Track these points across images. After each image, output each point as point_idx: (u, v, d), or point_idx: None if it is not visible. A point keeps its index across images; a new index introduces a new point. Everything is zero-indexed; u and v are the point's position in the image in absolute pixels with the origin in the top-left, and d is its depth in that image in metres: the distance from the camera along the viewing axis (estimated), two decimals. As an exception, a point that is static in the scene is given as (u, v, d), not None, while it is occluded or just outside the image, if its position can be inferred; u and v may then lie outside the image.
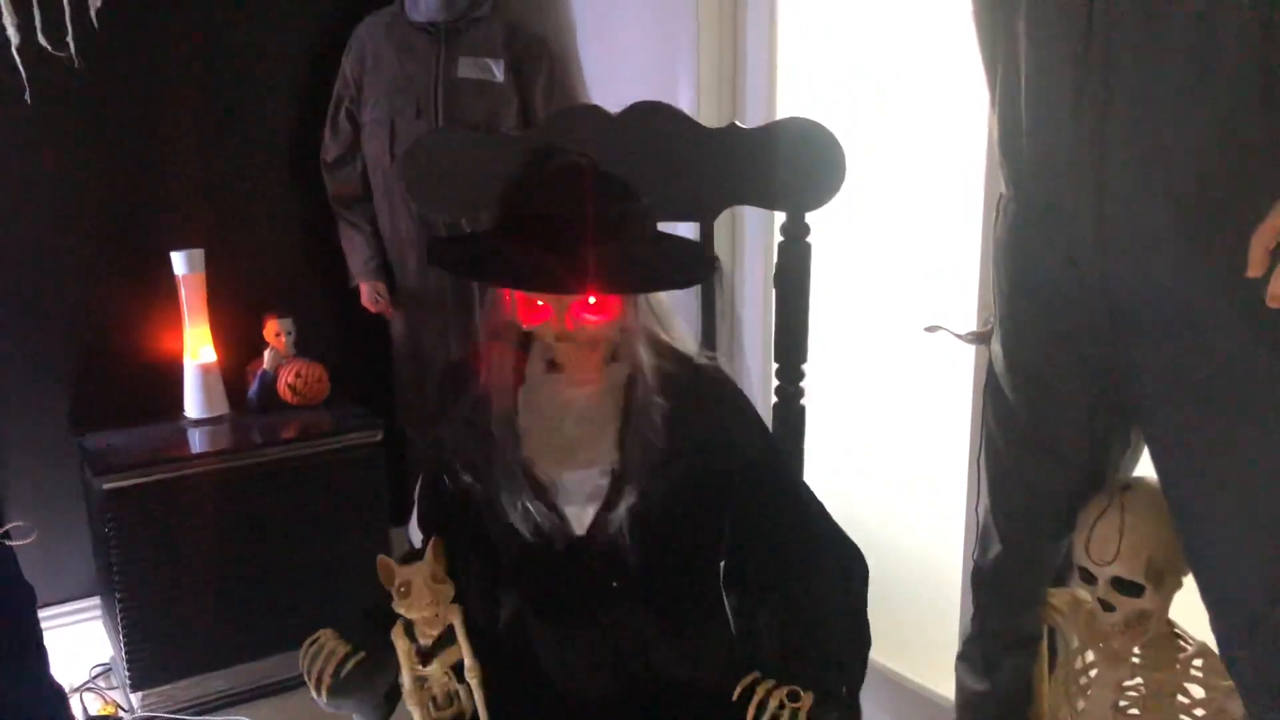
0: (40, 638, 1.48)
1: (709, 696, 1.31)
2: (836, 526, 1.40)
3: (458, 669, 1.33)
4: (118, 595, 2.29)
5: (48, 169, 2.47)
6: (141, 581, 2.30)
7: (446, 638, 1.30)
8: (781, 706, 1.12)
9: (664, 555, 1.33)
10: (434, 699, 1.38)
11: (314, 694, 1.25)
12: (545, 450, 1.31)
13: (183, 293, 2.52)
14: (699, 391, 1.32)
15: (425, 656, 1.28)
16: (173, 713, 2.37)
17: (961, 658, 1.68)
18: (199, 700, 2.41)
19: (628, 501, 1.27)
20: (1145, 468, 1.42)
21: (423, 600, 1.24)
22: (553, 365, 1.33)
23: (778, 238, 1.53)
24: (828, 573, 1.36)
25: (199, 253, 2.51)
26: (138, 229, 2.58)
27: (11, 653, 1.39)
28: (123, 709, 2.39)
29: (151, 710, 2.36)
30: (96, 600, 2.67)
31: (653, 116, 1.55)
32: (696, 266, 1.30)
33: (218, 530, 2.38)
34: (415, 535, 2.43)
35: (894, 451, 2.15)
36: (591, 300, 1.20)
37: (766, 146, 1.47)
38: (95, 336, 2.57)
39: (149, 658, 2.34)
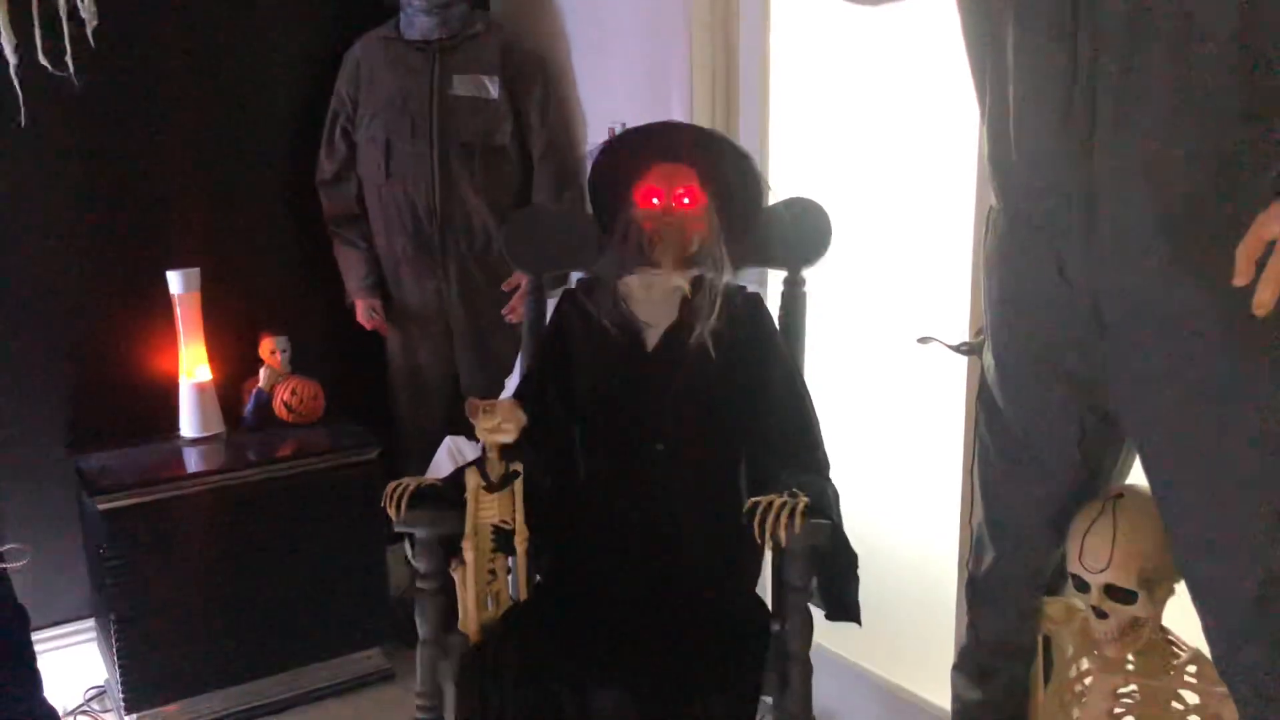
0: (33, 659, 1.48)
1: (724, 557, 1.69)
2: (825, 454, 1.75)
3: (505, 538, 1.59)
4: (112, 616, 2.28)
5: (44, 189, 2.48)
6: (136, 602, 2.30)
7: (511, 478, 1.58)
8: (783, 505, 1.41)
9: (702, 418, 1.73)
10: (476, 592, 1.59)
11: (390, 512, 1.54)
12: (639, 289, 1.78)
13: (178, 312, 2.52)
14: (746, 300, 1.81)
15: (492, 487, 1.56)
16: (168, 734, 2.36)
17: (957, 668, 1.68)
18: (193, 721, 2.40)
19: (694, 324, 1.72)
20: (1136, 476, 1.43)
21: (504, 414, 1.54)
22: (648, 264, 1.79)
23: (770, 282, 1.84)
24: (825, 472, 1.70)
25: (195, 272, 2.51)
26: (134, 248, 2.58)
27: (3, 674, 1.39)
28: (117, 731, 2.38)
29: (146, 731, 2.35)
30: (91, 623, 2.66)
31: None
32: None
33: (214, 550, 2.38)
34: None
35: (888, 462, 2.15)
36: (686, 201, 1.75)
37: (776, 221, 1.87)
38: (91, 356, 2.57)
39: (144, 679, 2.33)
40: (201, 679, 2.40)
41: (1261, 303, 1.02)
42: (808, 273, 1.90)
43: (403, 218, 2.63)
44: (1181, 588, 1.35)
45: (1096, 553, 1.36)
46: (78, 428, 2.57)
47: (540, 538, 1.65)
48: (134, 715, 2.34)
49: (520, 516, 1.60)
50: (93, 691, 2.55)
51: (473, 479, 1.57)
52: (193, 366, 2.55)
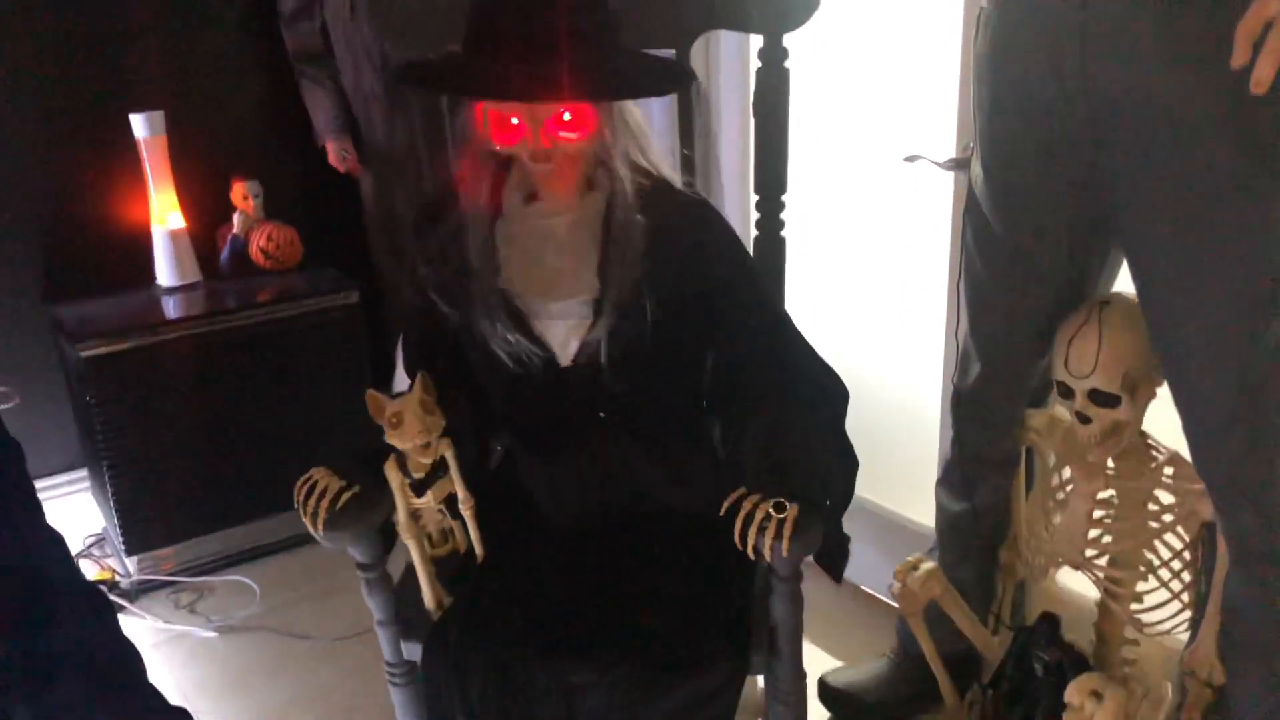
0: (32, 490, 1.48)
1: (695, 519, 1.36)
2: (814, 352, 1.42)
3: (451, 503, 1.35)
4: (105, 463, 2.29)
5: (-4, 32, 2.38)
6: (128, 449, 2.31)
7: (439, 471, 1.30)
8: (768, 518, 1.12)
9: (648, 381, 1.35)
10: (429, 536, 1.41)
11: (310, 528, 1.26)
12: (526, 281, 1.33)
13: (145, 157, 2.45)
14: (678, 212, 1.32)
15: (419, 488, 1.29)
16: (170, 575, 2.41)
17: (941, 481, 1.72)
18: (194, 563, 2.44)
19: (608, 323, 1.29)
20: (1123, 285, 1.43)
21: (414, 429, 1.23)
22: (531, 198, 1.32)
23: (755, 64, 1.50)
24: (808, 396, 1.38)
25: (159, 115, 2.43)
26: (95, 92, 2.50)
27: (4, 504, 1.40)
28: (119, 574, 2.42)
29: (148, 574, 2.40)
30: (82, 473, 2.68)
31: None
32: (671, 76, 1.29)
33: (200, 396, 2.38)
34: (401, 386, 2.45)
35: (873, 283, 2.15)
36: (566, 117, 1.19)
37: None
38: (59, 205, 2.52)
39: (141, 524, 2.37)
40: (199, 521, 2.43)
41: (1260, 80, 1.00)
42: (791, 41, 1.46)
43: (370, 56, 2.53)
44: (1163, 391, 1.37)
45: (1082, 358, 1.37)
46: (52, 279, 2.54)
47: (482, 501, 1.37)
48: (135, 558, 2.39)
49: (462, 488, 1.32)
50: (91, 539, 2.59)
51: (394, 476, 1.29)
52: (164, 214, 2.49)
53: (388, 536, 1.38)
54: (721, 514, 1.16)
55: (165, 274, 2.53)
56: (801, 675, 1.33)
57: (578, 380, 1.34)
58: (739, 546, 1.14)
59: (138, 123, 2.41)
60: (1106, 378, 1.36)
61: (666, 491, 1.42)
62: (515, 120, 1.20)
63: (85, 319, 2.35)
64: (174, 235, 2.51)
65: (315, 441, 2.49)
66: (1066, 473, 1.52)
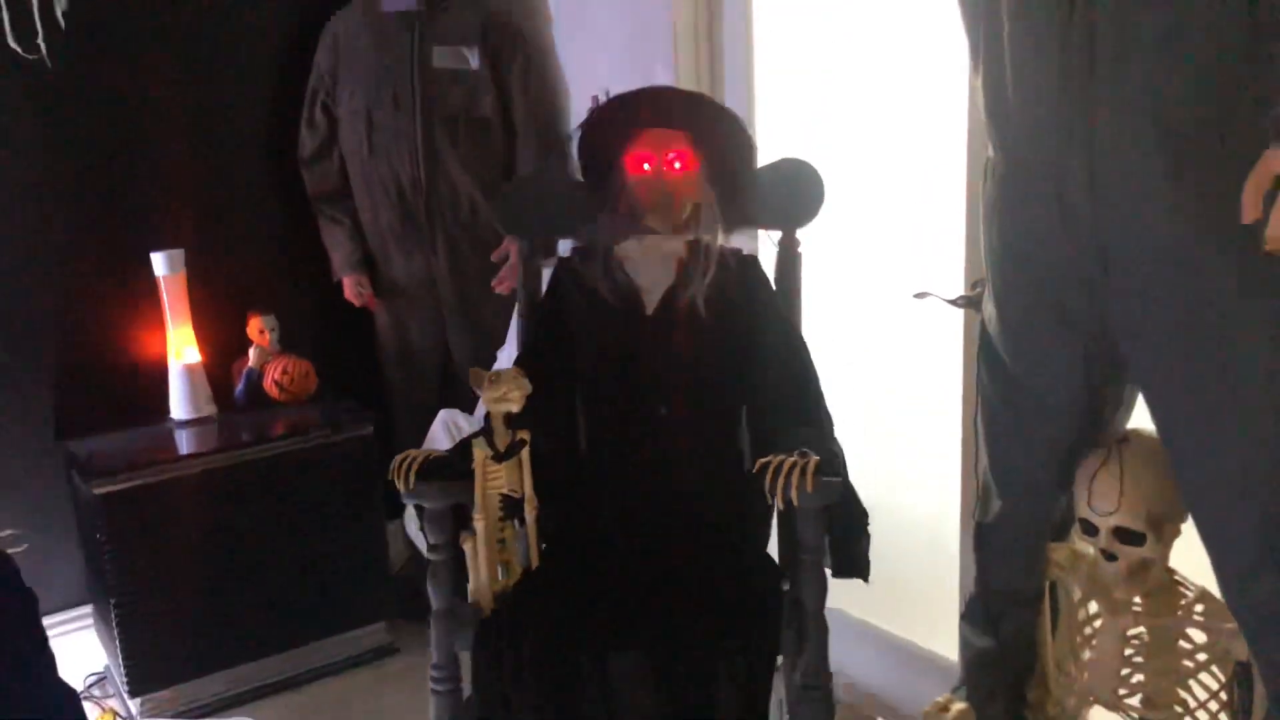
0: (45, 641, 1.47)
1: (728, 520, 1.70)
2: (826, 410, 1.73)
3: (514, 507, 1.59)
4: (113, 601, 2.26)
5: (23, 175, 2.43)
6: (136, 586, 2.28)
7: (518, 447, 1.56)
8: (794, 466, 1.39)
9: (701, 376, 1.74)
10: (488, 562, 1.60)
11: (400, 485, 1.54)
12: (635, 253, 1.78)
13: (164, 294, 2.49)
14: (734, 258, 1.79)
15: (499, 457, 1.54)
16: (174, 717, 2.35)
17: (965, 617, 1.71)
18: (199, 703, 2.39)
19: (686, 280, 1.73)
20: (1140, 420, 1.45)
21: (509, 383, 1.50)
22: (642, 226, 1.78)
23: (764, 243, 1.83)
24: (828, 428, 1.68)
25: (179, 253, 2.48)
26: (117, 231, 2.55)
27: (20, 658, 1.38)
28: (121, 716, 2.36)
29: (151, 715, 2.34)
30: (86, 609, 2.64)
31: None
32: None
33: (212, 531, 2.36)
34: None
35: (887, 417, 2.17)
36: (677, 165, 1.73)
37: (766, 182, 1.84)
38: (77, 341, 2.54)
39: (147, 662, 2.32)
40: (205, 660, 2.39)
41: (1273, 237, 1.03)
42: (801, 233, 1.86)
43: (388, 192, 2.61)
44: (1188, 527, 1.37)
45: (1105, 496, 1.37)
46: (66, 414, 2.54)
47: (546, 505, 1.65)
48: (138, 699, 2.33)
49: (529, 485, 1.59)
50: (93, 678, 2.54)
51: (479, 450, 1.56)
52: (181, 348, 2.52)
53: (458, 520, 1.61)
54: (754, 470, 1.44)
55: (180, 408, 2.54)
56: (826, 662, 1.50)
57: (654, 334, 1.74)
58: (769, 498, 1.40)
59: (158, 261, 2.46)
60: (1130, 515, 1.36)
61: (700, 479, 1.72)
62: (647, 166, 1.73)
63: (98, 454, 2.34)
64: (190, 369, 2.53)
65: (326, 577, 2.46)
66: (1093, 607, 1.51)
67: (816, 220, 1.84)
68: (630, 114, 1.80)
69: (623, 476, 1.75)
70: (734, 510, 1.71)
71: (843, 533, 1.52)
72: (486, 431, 1.58)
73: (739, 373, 1.76)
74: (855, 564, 1.55)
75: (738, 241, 1.86)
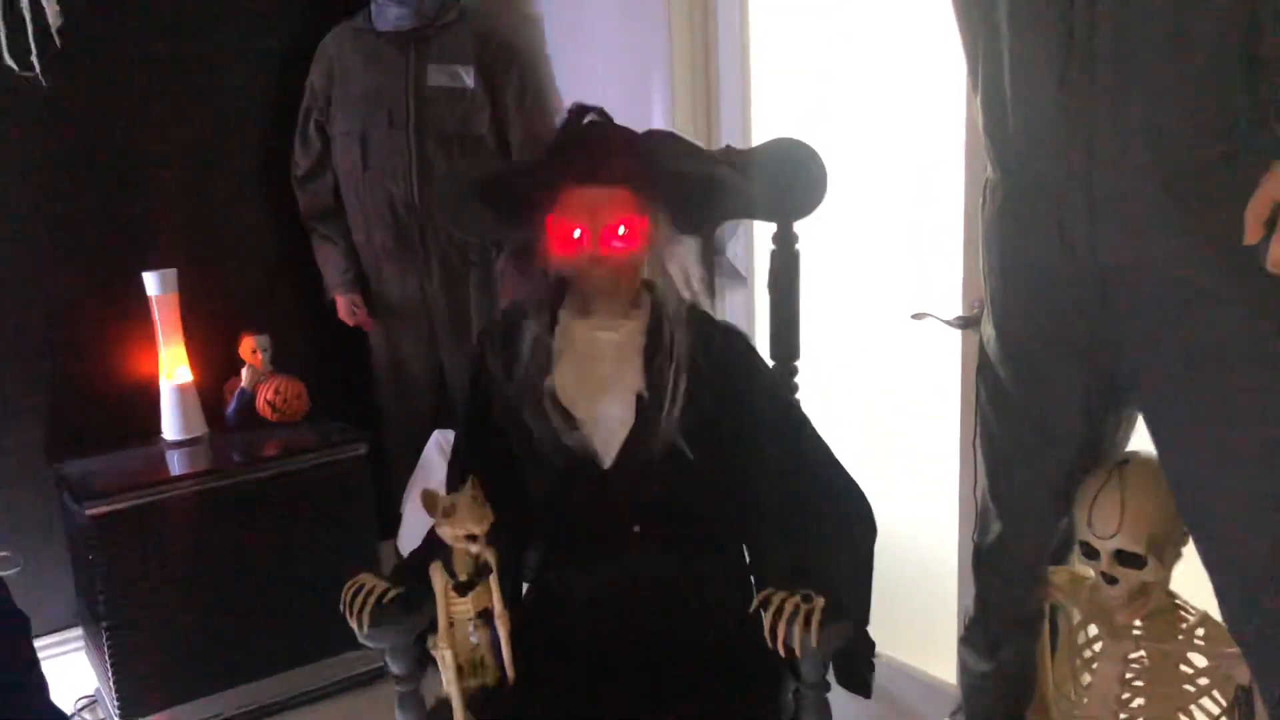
0: (37, 663, 1.46)
1: (723, 634, 1.44)
2: (847, 476, 1.50)
3: (485, 618, 1.38)
4: (104, 624, 2.24)
5: (14, 193, 2.43)
6: (128, 609, 2.26)
7: (482, 573, 1.35)
8: (796, 609, 1.19)
9: (683, 491, 1.45)
10: (459, 668, 1.39)
11: (354, 628, 1.33)
12: (577, 385, 1.44)
13: (156, 313, 2.48)
14: (720, 337, 1.49)
15: (463, 589, 1.34)
16: (164, 740, 2.33)
17: (964, 641, 1.69)
18: (190, 726, 2.37)
19: (650, 426, 1.40)
20: (1139, 441, 1.44)
21: (467, 519, 1.29)
22: (585, 313, 1.47)
23: (762, 242, 1.57)
24: (835, 519, 1.46)
25: (171, 273, 2.47)
26: (108, 250, 2.54)
27: (10, 681, 1.37)
28: (112, 740, 2.34)
29: (141, 739, 2.32)
30: (77, 632, 2.62)
31: (660, 139, 1.64)
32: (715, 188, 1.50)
33: (204, 553, 2.34)
34: (406, 545, 2.42)
35: (886, 440, 2.16)
36: (621, 230, 1.37)
37: (757, 166, 1.58)
38: (69, 362, 2.53)
39: (138, 685, 2.30)
40: (195, 683, 2.36)
41: (1276, 259, 1.03)
42: (800, 227, 1.60)
43: (381, 211, 2.60)
44: (1188, 550, 1.36)
45: (1106, 519, 1.36)
46: (57, 435, 2.53)
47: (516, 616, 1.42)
48: (128, 723, 2.31)
49: (499, 605, 1.37)
50: (84, 701, 2.51)
51: (439, 578, 1.34)
52: (173, 368, 2.51)
53: (422, 649, 1.41)
54: (751, 612, 1.23)
55: (171, 428, 2.52)
56: None
57: (617, 485, 1.42)
58: (769, 644, 1.19)
59: (150, 280, 2.45)
60: (1131, 538, 1.35)
61: (695, 606, 1.46)
62: (578, 233, 1.36)
63: (90, 475, 2.33)
64: (182, 389, 2.52)
65: (318, 598, 2.43)
66: (1092, 630, 1.50)
67: (817, 210, 1.57)
68: (555, 163, 1.42)
69: (593, 592, 1.47)
70: (731, 626, 1.42)
71: (846, 659, 1.37)
72: (445, 558, 1.35)
73: (727, 476, 1.47)
74: (856, 684, 1.40)
75: (725, 238, 1.62)
